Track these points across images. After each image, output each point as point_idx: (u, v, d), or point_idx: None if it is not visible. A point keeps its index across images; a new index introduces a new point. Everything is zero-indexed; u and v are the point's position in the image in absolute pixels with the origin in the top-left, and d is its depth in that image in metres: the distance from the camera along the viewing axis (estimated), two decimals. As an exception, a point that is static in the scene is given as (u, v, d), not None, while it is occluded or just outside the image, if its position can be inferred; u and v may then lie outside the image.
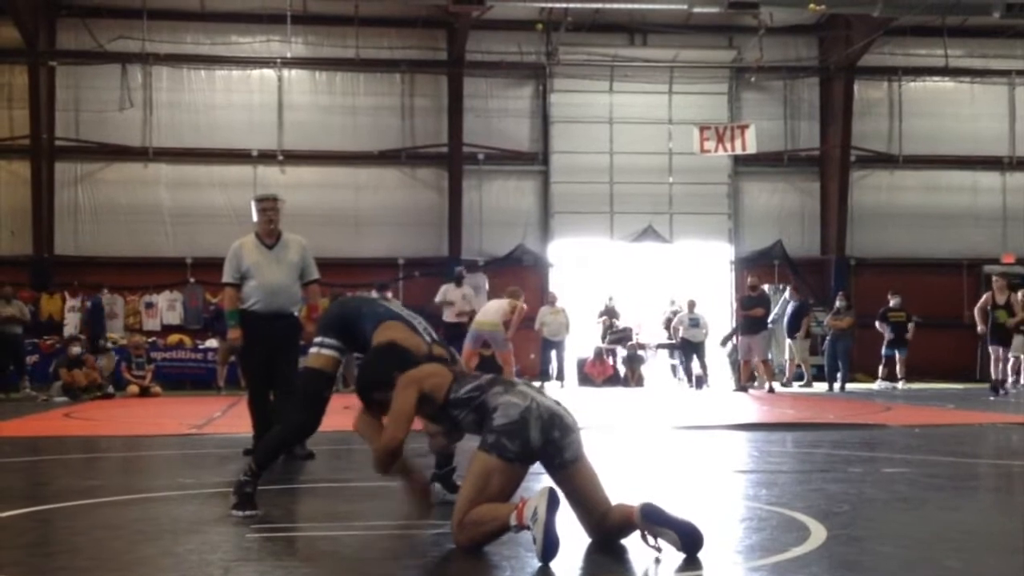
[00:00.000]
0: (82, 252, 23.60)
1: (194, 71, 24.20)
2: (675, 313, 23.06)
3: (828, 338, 21.85)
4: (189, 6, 23.81)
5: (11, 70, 23.63)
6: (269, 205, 8.71)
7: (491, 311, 17.03)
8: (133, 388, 18.78)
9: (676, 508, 6.03)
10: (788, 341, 22.02)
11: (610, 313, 23.34)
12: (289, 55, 24.26)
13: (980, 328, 18.38)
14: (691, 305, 22.04)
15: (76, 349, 18.90)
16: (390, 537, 5.17)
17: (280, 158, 24.18)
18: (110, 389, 18.73)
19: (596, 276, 24.85)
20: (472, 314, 18.24)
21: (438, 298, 19.41)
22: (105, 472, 8.54)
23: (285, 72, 24.49)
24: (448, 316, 19.07)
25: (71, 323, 22.40)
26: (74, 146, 23.84)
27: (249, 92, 24.41)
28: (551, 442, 4.67)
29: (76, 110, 23.88)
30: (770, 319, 21.26)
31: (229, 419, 12.60)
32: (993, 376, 18.18)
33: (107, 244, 23.62)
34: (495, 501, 4.62)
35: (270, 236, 8.72)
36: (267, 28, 24.11)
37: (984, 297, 18.54)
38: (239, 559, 4.56)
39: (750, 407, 15.65)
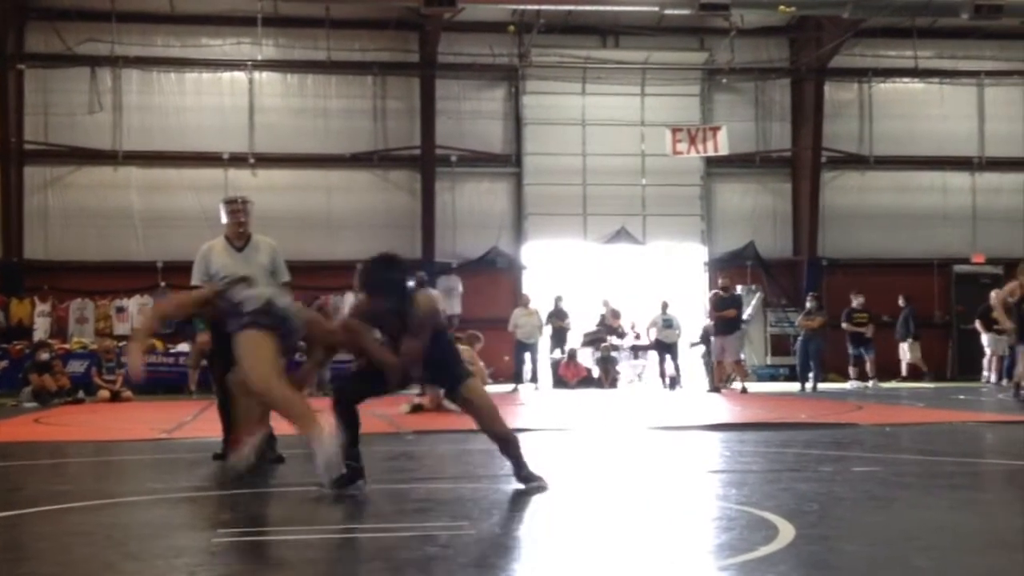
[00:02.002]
0: (52, 256, 23.43)
1: (164, 74, 24.10)
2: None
3: (800, 338, 21.94)
4: (159, 8, 23.69)
5: (-23, 73, 23.46)
6: (238, 207, 8.67)
7: None
8: (104, 393, 18.64)
9: (648, 508, 6.04)
10: None
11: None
12: (260, 57, 24.21)
13: (1008, 325, 15.62)
14: (664, 306, 22.07)
15: (45, 354, 18.75)
16: (358, 540, 5.15)
17: (251, 161, 24.09)
18: (80, 394, 18.59)
19: (570, 278, 24.85)
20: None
21: None
22: (74, 477, 8.46)
23: (256, 74, 24.41)
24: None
25: (41, 328, 22.25)
26: (43, 150, 23.67)
27: (220, 95, 24.31)
28: (287, 330, 6.82)
29: (45, 113, 23.75)
30: (744, 319, 21.35)
31: (200, 423, 12.50)
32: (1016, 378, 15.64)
33: (77, 248, 23.46)
34: (267, 361, 6.56)
35: (240, 238, 8.66)
36: (238, 30, 24.06)
37: (1009, 287, 15.72)
38: (204, 563, 4.52)
39: (723, 407, 15.69)
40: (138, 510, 6.22)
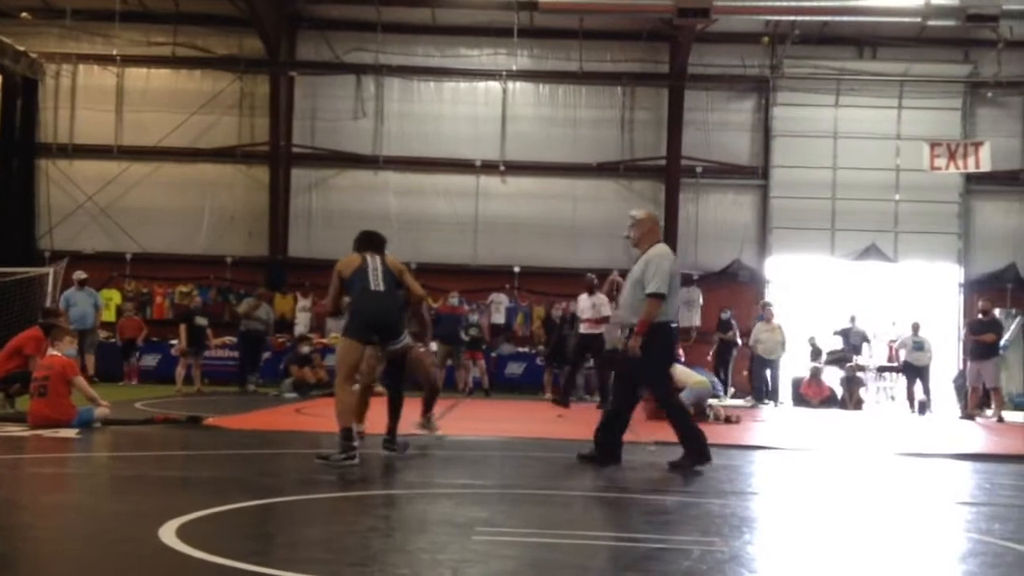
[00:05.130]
0: (314, 255, 24.66)
1: (423, 82, 25.02)
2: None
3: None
4: (421, 19, 24.65)
5: (254, 79, 25.00)
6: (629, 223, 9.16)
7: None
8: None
9: (897, 537, 5.92)
10: None
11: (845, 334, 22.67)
12: (514, 68, 24.79)
13: None
14: (915, 328, 21.29)
15: (306, 348, 19.78)
16: (611, 548, 5.25)
17: (502, 168, 24.69)
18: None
19: (814, 294, 24.34)
20: (603, 321, 16.64)
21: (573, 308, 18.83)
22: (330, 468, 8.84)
23: (510, 84, 25.01)
24: (581, 327, 17.31)
25: (301, 322, 23.49)
26: (310, 153, 25.01)
27: (475, 104, 25.05)
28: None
29: (312, 119, 25.07)
30: (1002, 344, 20.31)
31: (446, 422, 12.97)
32: None
33: (338, 248, 24.43)
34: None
35: (639, 252, 9.10)
36: (494, 41, 24.75)
37: None
38: (467, 560, 4.73)
39: (978, 436, 15.00)
40: (403, 504, 6.54)
